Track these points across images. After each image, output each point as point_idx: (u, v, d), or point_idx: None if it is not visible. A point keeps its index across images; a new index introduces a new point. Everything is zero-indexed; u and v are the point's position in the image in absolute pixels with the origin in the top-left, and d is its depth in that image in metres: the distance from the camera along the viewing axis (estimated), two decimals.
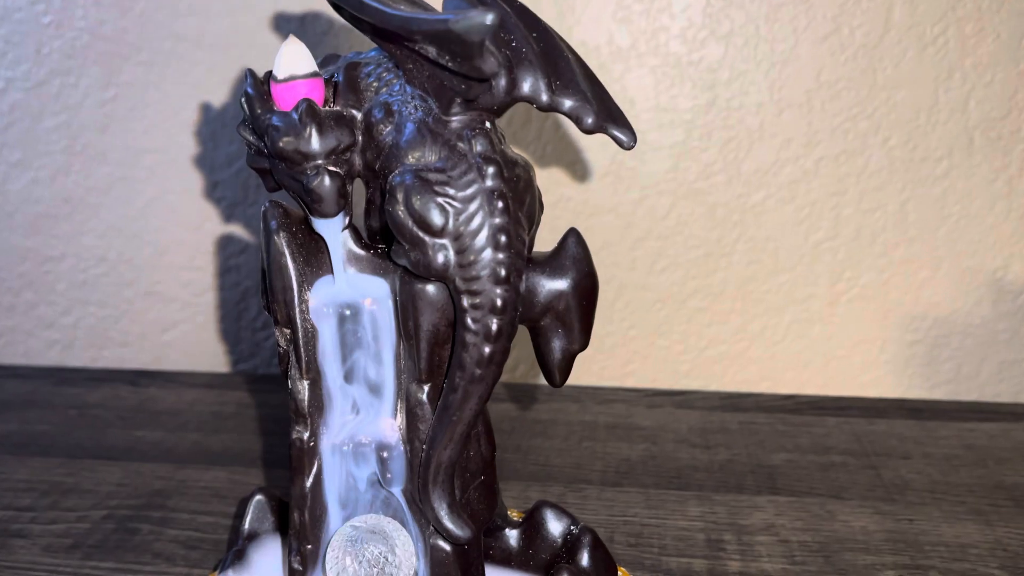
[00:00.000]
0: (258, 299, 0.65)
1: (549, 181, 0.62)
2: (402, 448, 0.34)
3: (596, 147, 0.61)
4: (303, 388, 0.34)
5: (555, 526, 0.38)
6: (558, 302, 0.33)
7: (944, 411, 0.60)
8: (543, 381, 0.57)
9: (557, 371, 0.34)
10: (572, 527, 0.38)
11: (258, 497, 0.39)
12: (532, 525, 0.38)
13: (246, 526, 0.38)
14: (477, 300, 0.31)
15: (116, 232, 0.65)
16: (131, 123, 0.63)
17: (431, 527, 0.34)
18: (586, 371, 0.64)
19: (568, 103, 0.31)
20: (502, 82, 0.30)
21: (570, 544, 0.37)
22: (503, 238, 0.31)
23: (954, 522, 0.45)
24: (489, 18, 0.25)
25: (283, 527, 0.39)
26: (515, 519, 0.39)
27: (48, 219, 0.65)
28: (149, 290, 0.66)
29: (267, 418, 0.58)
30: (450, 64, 0.28)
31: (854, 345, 0.63)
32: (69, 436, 0.55)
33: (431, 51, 0.28)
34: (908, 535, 0.44)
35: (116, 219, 0.65)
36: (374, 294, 0.34)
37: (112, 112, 0.63)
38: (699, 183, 0.61)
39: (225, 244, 0.65)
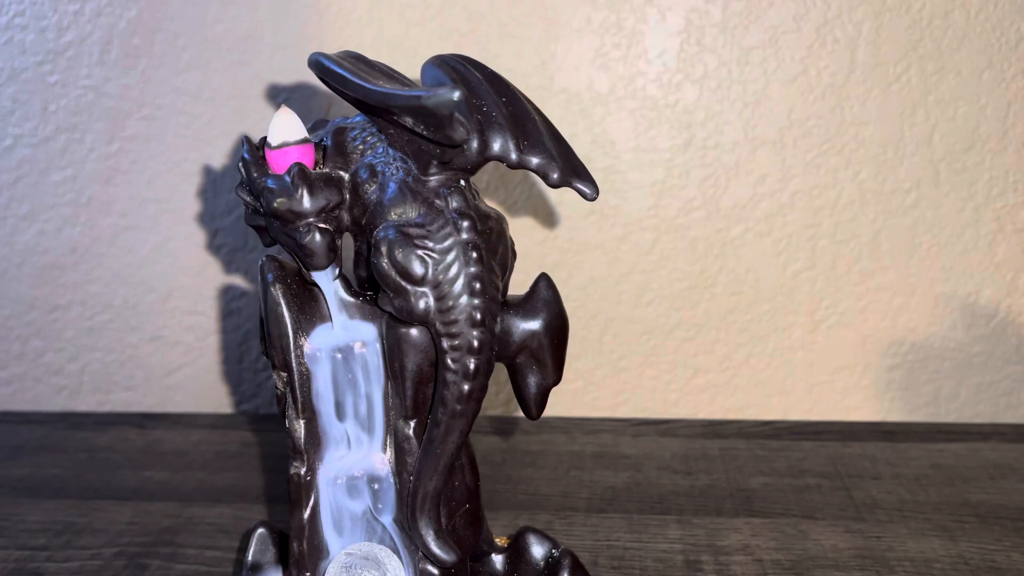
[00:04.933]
0: (258, 341, 0.68)
1: (536, 221, 0.64)
2: (392, 480, 0.37)
3: None
4: (299, 427, 0.37)
5: (537, 550, 0.40)
6: (532, 341, 0.36)
7: (915, 433, 0.62)
8: None
9: (533, 405, 0.37)
10: (553, 551, 0.40)
11: (260, 530, 0.41)
12: (516, 550, 0.41)
13: (249, 558, 0.40)
14: (456, 342, 0.34)
15: (121, 280, 0.67)
16: (134, 175, 0.66)
17: (420, 552, 0.36)
18: (579, 402, 0.66)
19: (535, 161, 0.34)
20: (474, 144, 0.33)
21: (551, 566, 0.40)
22: (478, 285, 0.34)
23: (920, 538, 0.47)
24: (456, 95, 0.28)
25: (284, 558, 0.41)
26: (501, 545, 0.41)
27: (55, 269, 0.68)
28: (154, 335, 0.68)
29: (268, 456, 0.61)
30: (425, 133, 0.31)
31: (835, 371, 0.65)
32: (80, 478, 0.57)
33: (408, 121, 0.31)
34: (876, 551, 0.46)
35: (121, 267, 0.67)
36: (363, 338, 0.36)
37: (116, 165, 0.66)
38: (680, 219, 0.64)
39: (226, 289, 0.67)
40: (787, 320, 0.65)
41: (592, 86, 0.63)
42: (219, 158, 0.65)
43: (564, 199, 0.64)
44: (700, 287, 0.65)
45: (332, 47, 0.65)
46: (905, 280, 0.64)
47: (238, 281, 0.67)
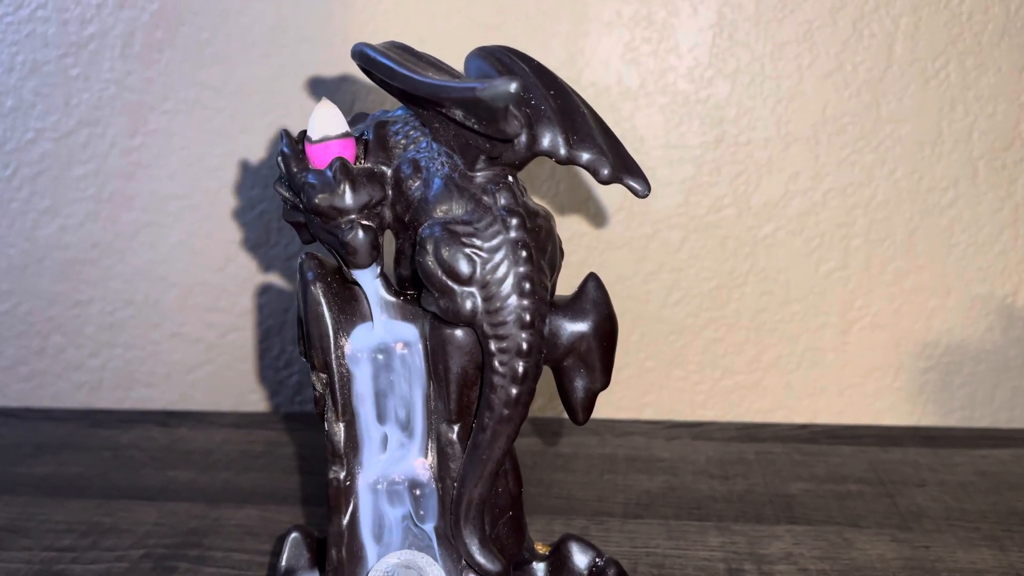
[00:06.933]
0: (279, 339, 0.67)
1: (563, 218, 0.63)
2: (434, 486, 0.36)
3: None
4: (339, 430, 0.36)
5: (580, 559, 0.39)
6: (580, 343, 0.35)
7: (957, 438, 0.60)
8: (563, 415, 0.59)
9: (580, 409, 0.36)
10: (597, 559, 0.39)
11: (294, 535, 0.40)
12: (558, 558, 0.39)
13: (283, 563, 0.39)
14: (504, 344, 0.33)
15: (142, 276, 0.67)
16: (156, 170, 0.65)
17: (463, 562, 0.35)
18: (604, 403, 0.65)
19: (585, 156, 0.33)
20: (523, 139, 0.32)
21: None
22: (527, 285, 0.33)
23: (969, 548, 0.46)
24: (513, 86, 0.27)
25: (319, 563, 0.40)
26: (541, 552, 0.40)
27: (77, 264, 0.67)
28: (175, 332, 0.68)
29: (293, 456, 0.60)
30: (476, 127, 0.30)
31: (868, 372, 0.64)
32: (104, 477, 0.57)
33: (458, 115, 0.30)
34: (925, 562, 0.45)
35: (142, 263, 0.67)
36: (405, 338, 0.35)
37: (138, 160, 0.65)
38: (710, 217, 0.63)
39: (248, 285, 0.66)
40: (818, 321, 0.64)
41: (621, 81, 0.62)
42: (242, 153, 0.65)
43: (591, 195, 0.63)
44: (730, 286, 0.64)
45: (358, 40, 0.64)
46: (941, 281, 0.62)
47: (259, 278, 0.66)
